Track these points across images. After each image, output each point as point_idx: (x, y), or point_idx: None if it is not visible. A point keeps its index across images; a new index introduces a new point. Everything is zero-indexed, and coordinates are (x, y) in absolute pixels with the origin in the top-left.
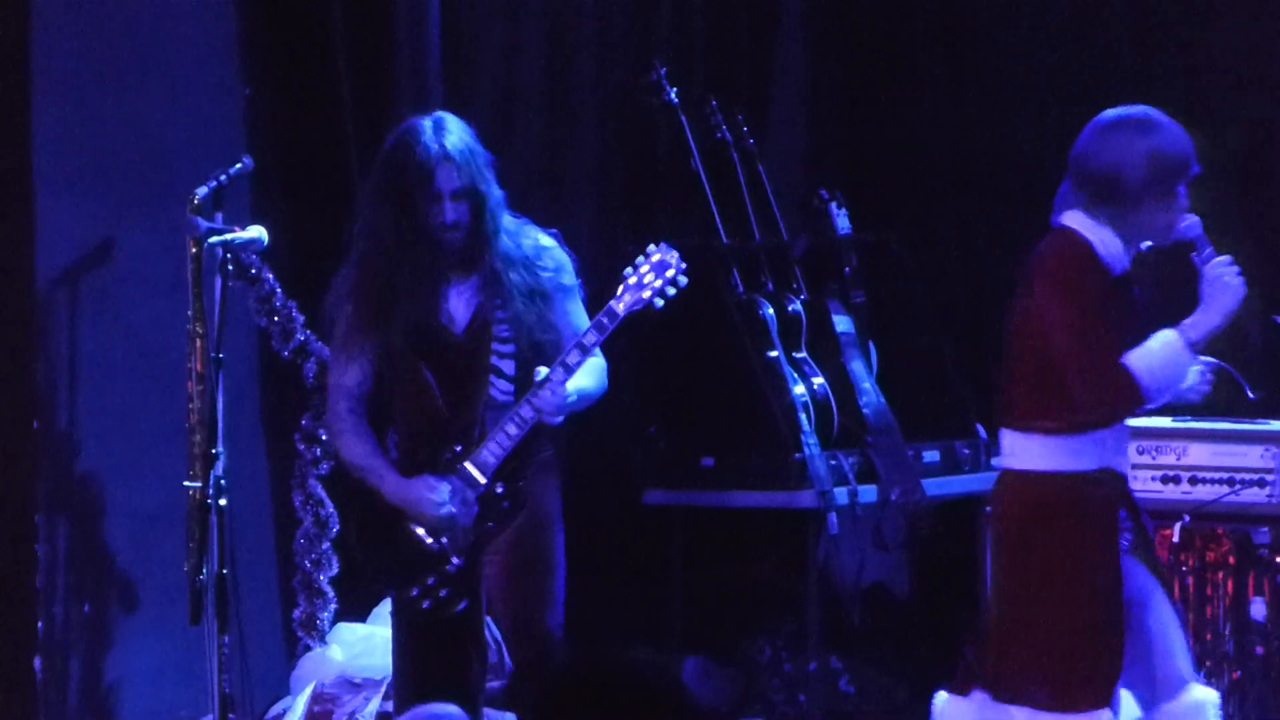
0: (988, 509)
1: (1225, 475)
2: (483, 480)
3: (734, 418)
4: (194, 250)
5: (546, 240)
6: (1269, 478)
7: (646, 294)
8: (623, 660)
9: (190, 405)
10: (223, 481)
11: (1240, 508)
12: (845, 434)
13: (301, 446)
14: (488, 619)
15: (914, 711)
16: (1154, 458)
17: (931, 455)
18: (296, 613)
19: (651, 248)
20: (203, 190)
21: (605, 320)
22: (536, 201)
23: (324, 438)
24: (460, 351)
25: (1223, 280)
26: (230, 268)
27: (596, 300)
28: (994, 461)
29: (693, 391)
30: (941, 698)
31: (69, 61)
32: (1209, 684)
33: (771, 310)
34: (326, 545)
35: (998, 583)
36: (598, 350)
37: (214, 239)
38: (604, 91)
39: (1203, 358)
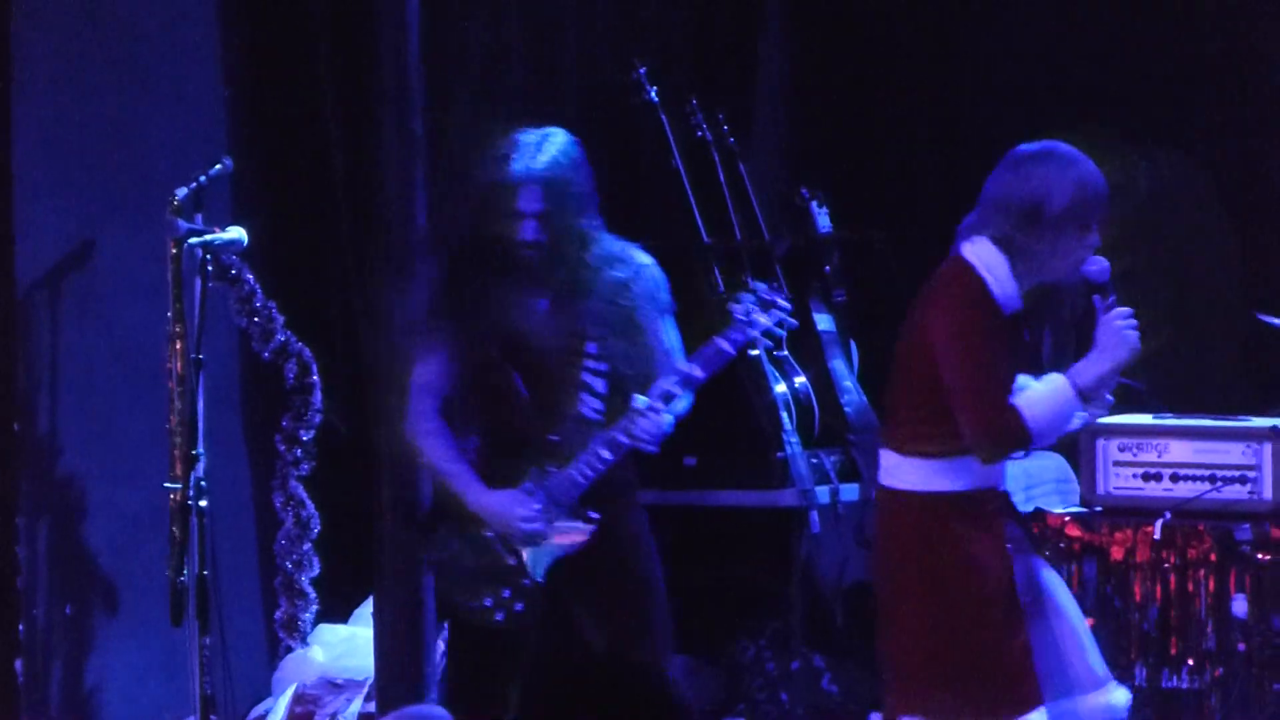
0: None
1: (1207, 472)
2: (570, 501)
3: (716, 417)
4: (174, 251)
5: (644, 258)
6: (1250, 474)
7: (754, 331)
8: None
9: (171, 407)
10: (203, 483)
11: (1222, 504)
12: (827, 433)
13: (282, 447)
14: None
15: None
16: (1135, 455)
17: None
18: (278, 614)
19: (761, 285)
20: (183, 191)
21: (713, 355)
22: None
23: (304, 438)
24: (552, 365)
25: (1120, 332)
26: (210, 269)
27: None
28: (879, 478)
29: None
30: None
31: (49, 63)
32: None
33: None
34: (308, 546)
35: (887, 605)
36: None
37: (194, 240)
38: (586, 92)
39: None
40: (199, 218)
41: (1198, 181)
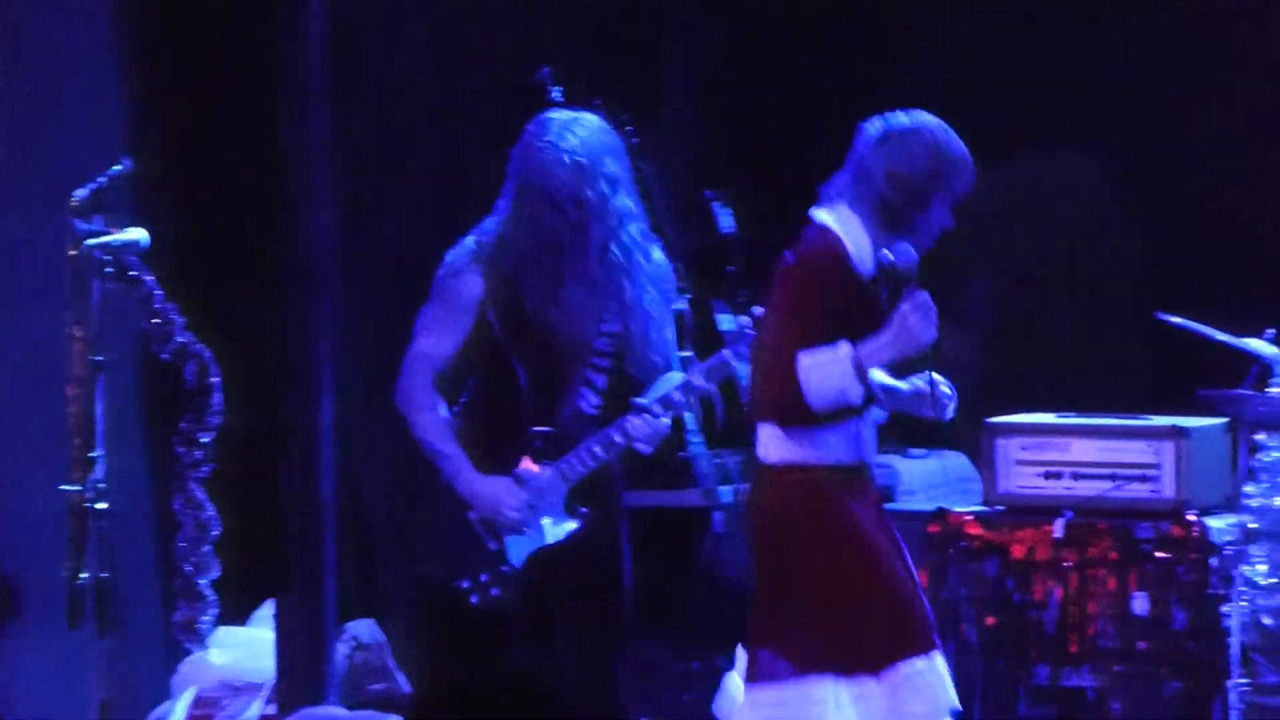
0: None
1: (1109, 471)
2: (559, 493)
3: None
4: (72, 253)
5: (659, 253)
6: (1152, 473)
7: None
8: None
9: (69, 408)
10: (101, 485)
11: (1124, 503)
12: (730, 432)
13: (181, 450)
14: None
15: None
16: (1037, 454)
17: None
18: (177, 616)
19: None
20: (81, 192)
21: (719, 366)
22: (424, 206)
23: (203, 440)
24: (557, 354)
25: (919, 321)
26: (110, 270)
27: None
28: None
29: None
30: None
31: None
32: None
33: None
34: (207, 549)
35: (761, 578)
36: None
37: (93, 241)
38: (491, 93)
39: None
40: (98, 219)
41: (1099, 180)
